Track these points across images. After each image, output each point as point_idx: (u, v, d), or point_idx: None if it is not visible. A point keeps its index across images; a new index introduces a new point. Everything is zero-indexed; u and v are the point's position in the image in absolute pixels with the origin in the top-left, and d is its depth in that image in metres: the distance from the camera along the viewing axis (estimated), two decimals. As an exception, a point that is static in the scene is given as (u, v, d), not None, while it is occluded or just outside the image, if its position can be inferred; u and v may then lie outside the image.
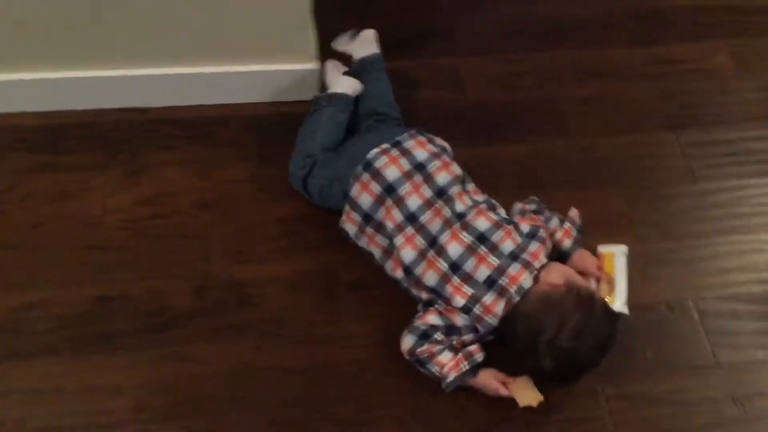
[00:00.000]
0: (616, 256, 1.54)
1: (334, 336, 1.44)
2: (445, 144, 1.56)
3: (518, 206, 1.54)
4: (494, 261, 1.38)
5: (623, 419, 1.37)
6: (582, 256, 1.50)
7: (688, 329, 1.48)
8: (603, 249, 1.55)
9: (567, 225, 1.51)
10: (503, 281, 1.37)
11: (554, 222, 1.51)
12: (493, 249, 1.39)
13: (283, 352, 1.42)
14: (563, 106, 1.81)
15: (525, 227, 1.44)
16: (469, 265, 1.38)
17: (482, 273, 1.37)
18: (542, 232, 1.44)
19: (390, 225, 1.43)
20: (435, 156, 1.49)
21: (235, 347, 1.42)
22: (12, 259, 1.50)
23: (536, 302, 1.34)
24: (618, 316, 1.41)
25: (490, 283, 1.37)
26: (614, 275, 1.51)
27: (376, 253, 1.47)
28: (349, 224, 1.49)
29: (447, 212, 1.43)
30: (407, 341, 1.38)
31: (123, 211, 1.58)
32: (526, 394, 1.35)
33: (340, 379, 1.39)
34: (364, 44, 1.79)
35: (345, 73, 1.74)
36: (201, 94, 1.71)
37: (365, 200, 1.46)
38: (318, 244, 1.56)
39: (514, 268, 1.38)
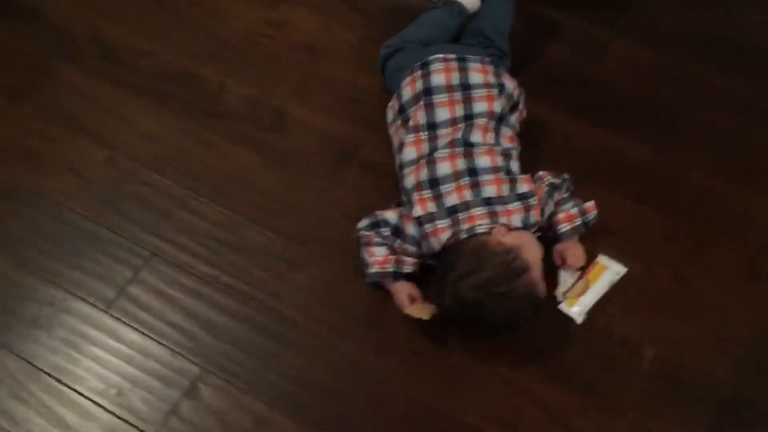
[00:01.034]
0: (609, 268, 1.44)
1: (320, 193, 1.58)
2: (514, 85, 1.55)
3: (542, 173, 1.49)
4: (467, 196, 1.39)
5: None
6: (571, 246, 1.43)
7: (624, 373, 1.36)
8: (602, 259, 1.46)
9: (574, 210, 1.44)
10: (462, 216, 1.37)
11: (568, 204, 1.45)
12: (474, 186, 1.39)
13: (275, 178, 1.59)
14: (684, 125, 1.66)
15: (522, 188, 1.40)
16: (445, 187, 1.40)
17: (450, 200, 1.39)
18: (533, 201, 1.39)
19: (412, 123, 1.49)
20: (487, 86, 1.50)
21: (244, 156, 1.62)
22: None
23: (472, 246, 1.34)
24: (540, 305, 1.35)
25: (452, 212, 1.38)
26: (592, 284, 1.43)
27: (395, 143, 1.54)
28: (390, 111, 1.58)
29: (460, 134, 1.45)
30: (361, 222, 1.45)
31: (248, 22, 1.82)
32: (421, 309, 1.36)
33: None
34: None
35: None
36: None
37: (406, 93, 1.52)
38: (365, 117, 1.66)
39: (478, 211, 1.37)
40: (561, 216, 1.44)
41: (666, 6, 1.85)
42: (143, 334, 1.40)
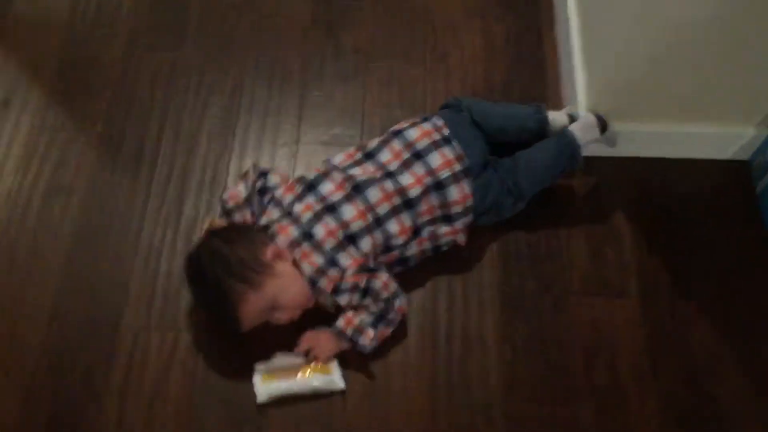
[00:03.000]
0: (330, 374, 1.30)
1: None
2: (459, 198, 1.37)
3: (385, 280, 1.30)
4: (314, 215, 1.31)
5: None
6: (326, 339, 1.30)
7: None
8: (332, 363, 1.31)
9: (365, 327, 1.28)
10: (295, 218, 1.32)
11: (366, 319, 1.29)
12: (319, 217, 1.31)
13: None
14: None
15: (344, 259, 1.29)
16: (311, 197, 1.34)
17: (305, 213, 1.32)
18: (333, 272, 1.29)
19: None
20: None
21: None
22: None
23: (254, 231, 1.32)
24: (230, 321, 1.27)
25: (296, 218, 1.33)
26: (301, 376, 1.29)
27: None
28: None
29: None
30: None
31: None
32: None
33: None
34: (585, 127, 1.46)
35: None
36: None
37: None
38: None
39: (297, 230, 1.30)
40: (349, 314, 1.29)
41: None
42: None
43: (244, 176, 1.41)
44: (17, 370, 1.32)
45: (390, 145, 1.38)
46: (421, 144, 1.37)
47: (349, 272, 1.28)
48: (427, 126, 1.39)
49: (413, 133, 1.38)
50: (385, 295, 1.29)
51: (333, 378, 1.28)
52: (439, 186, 1.34)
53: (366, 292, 1.29)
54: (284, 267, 1.28)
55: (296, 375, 1.28)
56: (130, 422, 1.27)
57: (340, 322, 1.29)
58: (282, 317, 1.29)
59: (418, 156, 1.36)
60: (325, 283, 1.29)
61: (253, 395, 1.27)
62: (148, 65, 1.67)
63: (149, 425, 1.27)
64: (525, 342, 1.35)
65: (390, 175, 1.34)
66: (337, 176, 1.34)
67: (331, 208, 1.31)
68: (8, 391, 1.30)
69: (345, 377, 1.29)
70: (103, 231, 1.46)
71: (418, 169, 1.35)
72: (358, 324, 1.28)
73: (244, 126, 1.60)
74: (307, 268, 1.29)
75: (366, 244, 1.30)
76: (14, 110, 1.61)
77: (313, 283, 1.29)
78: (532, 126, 1.48)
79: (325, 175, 1.36)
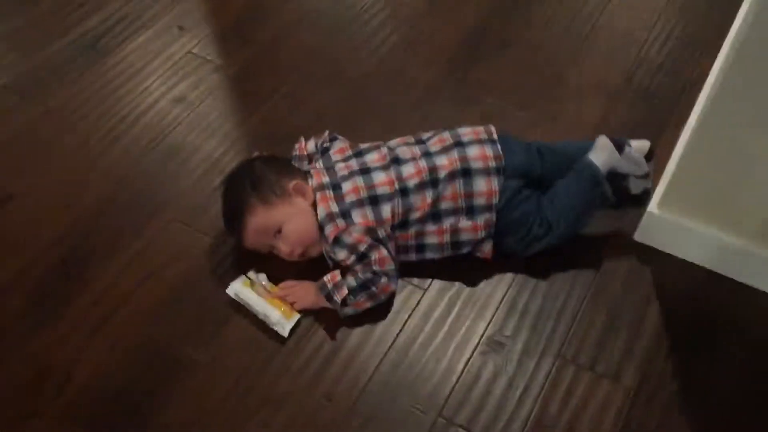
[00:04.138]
0: (291, 317, 1.36)
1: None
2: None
3: (384, 254, 1.34)
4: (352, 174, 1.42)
5: None
6: (303, 288, 1.38)
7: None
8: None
9: (344, 287, 1.33)
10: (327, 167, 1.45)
11: (351, 283, 1.33)
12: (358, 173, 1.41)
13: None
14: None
15: (356, 216, 1.36)
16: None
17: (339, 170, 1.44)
18: (340, 223, 1.35)
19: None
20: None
21: None
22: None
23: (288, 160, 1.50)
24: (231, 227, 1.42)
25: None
26: (267, 301, 1.37)
27: None
28: None
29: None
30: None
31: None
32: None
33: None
34: (599, 148, 1.45)
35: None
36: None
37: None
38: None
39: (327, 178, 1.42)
40: (336, 272, 1.35)
41: None
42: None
43: (318, 136, 1.54)
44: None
45: (440, 135, 1.44)
46: (467, 138, 1.42)
47: (356, 229, 1.33)
48: (479, 128, 1.44)
49: (464, 130, 1.44)
50: (376, 268, 1.32)
51: (285, 323, 1.34)
52: (467, 173, 1.37)
53: (362, 257, 1.33)
54: (301, 202, 1.38)
55: (265, 299, 1.36)
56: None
57: (326, 277, 1.35)
58: (282, 248, 1.38)
59: (460, 144, 1.40)
60: (330, 230, 1.35)
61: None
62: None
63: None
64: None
65: (428, 155, 1.40)
66: (384, 150, 1.43)
67: (365, 171, 1.39)
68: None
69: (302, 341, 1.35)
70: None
71: (454, 153, 1.39)
72: (338, 281, 1.33)
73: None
74: (321, 211, 1.37)
75: (386, 211, 1.35)
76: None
77: (321, 227, 1.36)
78: None
79: (375, 147, 1.45)
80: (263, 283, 1.39)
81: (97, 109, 1.72)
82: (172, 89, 1.77)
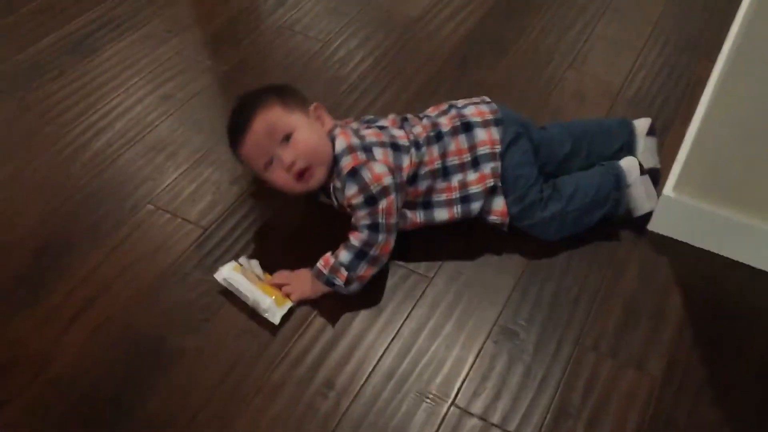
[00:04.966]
0: (281, 306, 1.25)
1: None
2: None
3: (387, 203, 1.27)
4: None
5: None
6: (298, 276, 1.29)
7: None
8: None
9: (334, 258, 1.26)
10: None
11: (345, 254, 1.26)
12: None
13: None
14: None
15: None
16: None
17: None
18: (347, 159, 1.27)
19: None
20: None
21: None
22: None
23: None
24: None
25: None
26: (257, 285, 1.26)
27: None
28: None
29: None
30: None
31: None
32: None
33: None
34: (647, 152, 1.46)
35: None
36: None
37: None
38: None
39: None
40: (327, 255, 1.26)
41: None
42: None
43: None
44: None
45: (436, 105, 1.44)
46: (462, 102, 1.42)
47: (378, 165, 1.24)
48: (483, 107, 1.39)
49: (468, 110, 1.39)
50: (380, 219, 1.23)
51: (276, 310, 1.23)
52: (467, 127, 1.35)
53: (370, 201, 1.23)
54: (317, 125, 1.32)
55: (256, 284, 1.25)
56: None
57: (318, 263, 1.25)
58: (285, 156, 1.26)
59: (455, 106, 1.40)
60: (348, 161, 1.25)
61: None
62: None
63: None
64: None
65: (428, 117, 1.40)
66: (391, 116, 1.41)
67: (383, 128, 1.36)
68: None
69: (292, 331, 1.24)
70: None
71: (452, 112, 1.38)
72: (333, 263, 1.24)
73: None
74: (341, 143, 1.28)
75: (405, 159, 1.30)
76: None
77: (336, 160, 1.27)
78: (617, 128, 1.46)
79: (382, 117, 1.43)
80: (255, 270, 1.29)
81: (79, 105, 1.64)
82: (160, 87, 1.69)
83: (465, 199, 1.33)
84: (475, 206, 1.33)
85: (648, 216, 1.41)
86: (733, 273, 1.37)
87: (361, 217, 1.24)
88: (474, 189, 1.33)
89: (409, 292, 1.30)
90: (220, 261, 1.32)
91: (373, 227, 1.23)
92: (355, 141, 1.28)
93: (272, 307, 1.23)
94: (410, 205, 1.33)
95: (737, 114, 1.24)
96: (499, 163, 1.33)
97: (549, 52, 1.83)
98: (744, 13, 1.72)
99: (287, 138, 1.26)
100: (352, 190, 1.24)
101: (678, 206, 1.37)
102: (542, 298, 1.30)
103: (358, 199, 1.24)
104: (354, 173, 1.24)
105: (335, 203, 1.33)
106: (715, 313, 1.31)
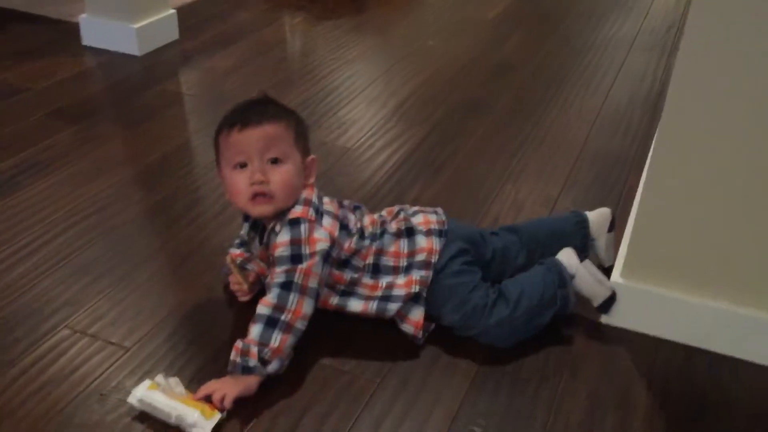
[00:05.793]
0: (212, 416, 1.12)
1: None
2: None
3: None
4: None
5: None
6: (225, 385, 1.16)
7: None
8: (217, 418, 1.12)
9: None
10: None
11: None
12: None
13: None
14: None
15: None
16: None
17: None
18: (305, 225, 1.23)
19: None
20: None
21: None
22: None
23: None
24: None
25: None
26: (177, 401, 1.12)
27: None
28: None
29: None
30: None
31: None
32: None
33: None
34: (609, 249, 1.45)
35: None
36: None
37: None
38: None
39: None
40: (235, 346, 1.17)
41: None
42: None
43: None
44: None
45: (390, 208, 1.43)
46: (413, 210, 1.40)
47: (321, 231, 1.22)
48: (431, 216, 1.37)
49: (416, 218, 1.37)
50: (298, 278, 1.17)
51: (205, 424, 1.09)
52: (411, 232, 1.32)
53: (296, 259, 1.19)
54: (304, 173, 1.28)
55: (178, 399, 1.12)
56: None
57: (231, 354, 1.16)
58: (262, 172, 1.22)
59: (405, 211, 1.40)
60: (298, 211, 1.23)
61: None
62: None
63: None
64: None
65: (381, 216, 1.39)
66: (348, 202, 1.39)
67: (340, 204, 1.35)
68: None
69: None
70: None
71: (400, 215, 1.37)
72: (241, 347, 1.15)
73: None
74: (305, 194, 1.26)
75: (347, 241, 1.28)
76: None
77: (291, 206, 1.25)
78: (571, 229, 1.43)
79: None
80: (175, 388, 1.16)
81: (-4, 238, 1.55)
82: (84, 220, 1.61)
83: (384, 299, 1.28)
84: (392, 307, 1.27)
85: (609, 301, 1.34)
86: (696, 360, 1.29)
87: (277, 273, 1.18)
88: (397, 292, 1.28)
89: (355, 398, 1.19)
90: (144, 380, 1.19)
91: (286, 286, 1.17)
92: (316, 201, 1.27)
93: (200, 420, 1.09)
94: (330, 287, 1.28)
95: (672, 190, 1.24)
96: (430, 273, 1.29)
97: (486, 169, 1.86)
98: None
99: (275, 161, 1.23)
100: (284, 237, 1.20)
101: (629, 294, 1.32)
102: (498, 397, 1.20)
103: (284, 250, 1.19)
104: (296, 223, 1.21)
105: (257, 248, 1.31)
106: (683, 404, 1.22)
